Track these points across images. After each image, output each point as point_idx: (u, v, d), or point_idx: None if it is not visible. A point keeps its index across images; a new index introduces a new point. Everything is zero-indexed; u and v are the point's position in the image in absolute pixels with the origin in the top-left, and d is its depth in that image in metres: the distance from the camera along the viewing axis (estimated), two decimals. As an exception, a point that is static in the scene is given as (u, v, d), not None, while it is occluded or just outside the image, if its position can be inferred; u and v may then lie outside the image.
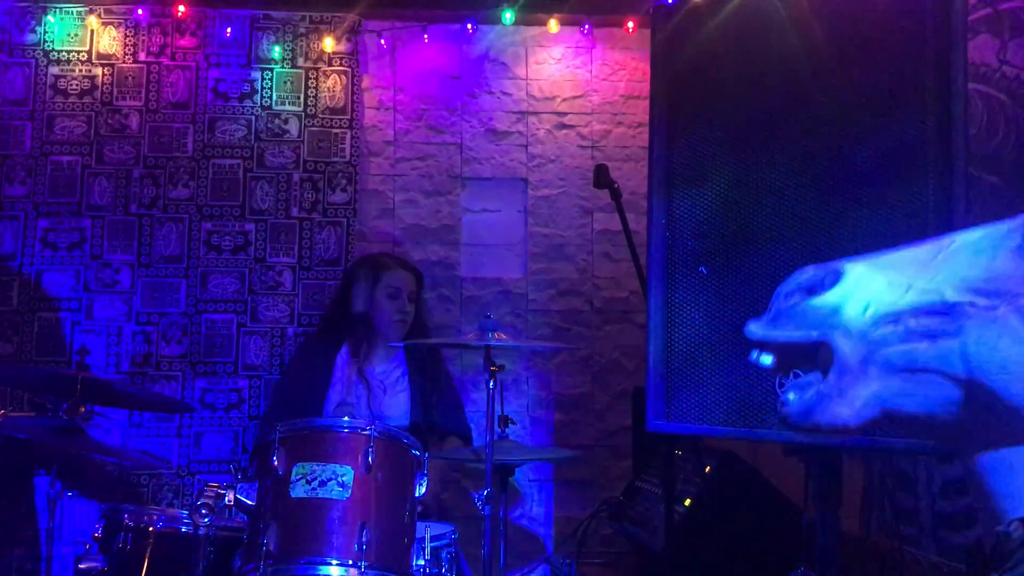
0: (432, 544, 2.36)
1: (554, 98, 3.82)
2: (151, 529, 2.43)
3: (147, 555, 2.41)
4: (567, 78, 3.83)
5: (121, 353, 3.44)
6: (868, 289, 1.01)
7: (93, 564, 2.42)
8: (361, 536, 2.00)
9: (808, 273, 1.05)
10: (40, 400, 2.64)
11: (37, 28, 3.53)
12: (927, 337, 0.98)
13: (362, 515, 2.03)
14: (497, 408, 2.49)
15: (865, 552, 2.68)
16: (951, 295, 0.98)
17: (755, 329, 1.06)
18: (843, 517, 2.02)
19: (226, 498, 2.10)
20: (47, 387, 2.60)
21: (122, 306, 3.46)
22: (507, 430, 2.69)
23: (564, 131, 3.82)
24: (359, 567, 1.98)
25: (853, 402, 1.00)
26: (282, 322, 3.54)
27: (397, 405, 3.10)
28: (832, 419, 1.01)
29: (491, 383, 2.44)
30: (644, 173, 3.75)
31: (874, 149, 1.77)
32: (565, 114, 3.82)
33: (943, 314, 0.98)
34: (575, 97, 3.83)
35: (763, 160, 1.95)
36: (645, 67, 3.77)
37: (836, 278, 1.02)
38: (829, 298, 1.01)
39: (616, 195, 2.73)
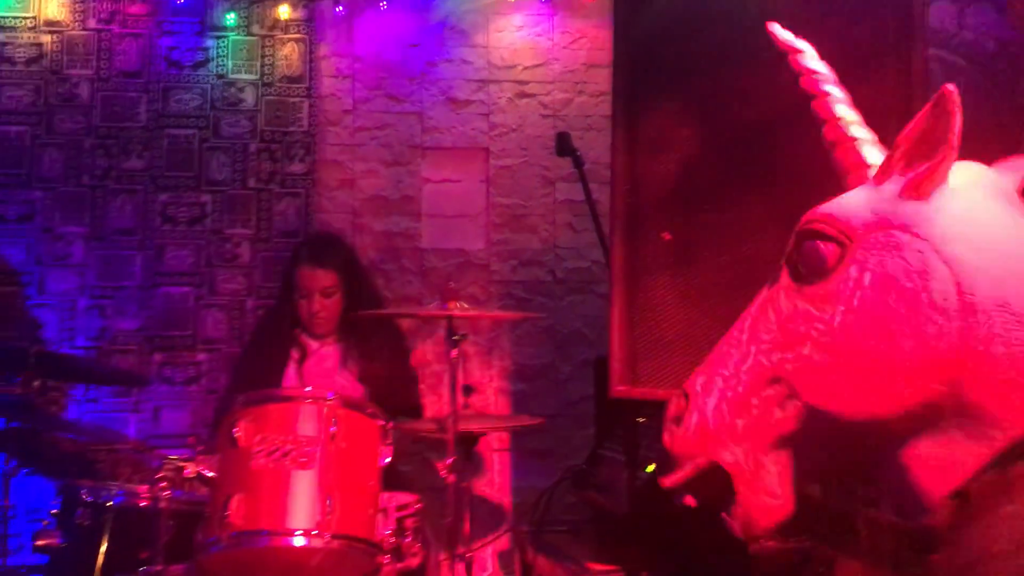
0: (397, 514, 2.36)
1: (515, 66, 3.79)
2: (110, 504, 2.39)
3: (106, 530, 2.38)
4: (528, 46, 3.79)
5: (75, 328, 3.37)
6: (709, 395, 1.12)
7: (51, 540, 2.39)
8: (326, 505, 1.98)
9: (670, 406, 1.16)
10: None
11: (-20, -6, 3.42)
12: (777, 406, 1.08)
13: (326, 485, 2.01)
14: (460, 378, 2.47)
15: (825, 515, 2.72)
16: (767, 362, 1.08)
17: (666, 482, 1.18)
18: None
19: (186, 471, 2.07)
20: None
21: (75, 280, 3.39)
22: (469, 401, 2.69)
23: (525, 100, 3.79)
24: (324, 537, 1.96)
25: (775, 488, 1.11)
26: (240, 295, 3.49)
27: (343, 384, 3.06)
28: (770, 518, 1.13)
29: (453, 353, 2.43)
30: (606, 142, 3.72)
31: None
32: (526, 83, 3.79)
33: (774, 383, 1.07)
34: (536, 65, 3.80)
35: (727, 125, 1.95)
36: (606, 35, 3.75)
37: (685, 402, 1.14)
38: (689, 423, 1.12)
39: (578, 163, 2.72)
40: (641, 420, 2.89)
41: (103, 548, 2.37)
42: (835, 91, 1.24)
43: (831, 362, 1.03)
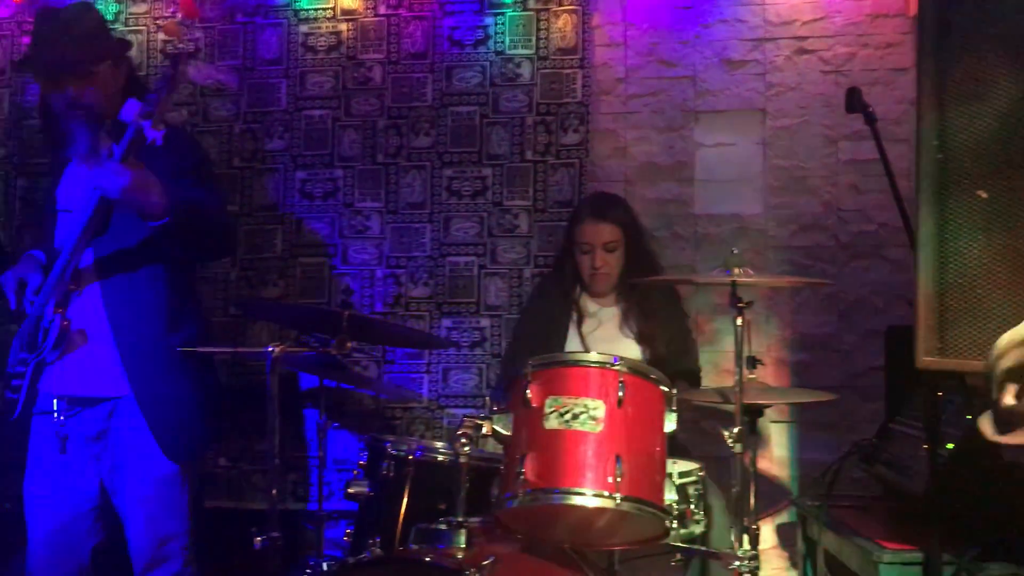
0: (679, 480, 2.37)
1: (793, 22, 3.62)
2: (411, 458, 2.58)
3: (408, 482, 2.57)
4: (807, 0, 3.61)
5: (374, 295, 3.66)
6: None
7: (361, 489, 2.61)
8: (615, 469, 2.02)
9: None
10: (308, 337, 2.84)
11: (287, -11, 3.76)
12: None
13: (615, 448, 2.05)
14: (744, 347, 2.42)
15: None
16: None
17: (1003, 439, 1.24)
18: None
19: (483, 429, 2.18)
20: (314, 324, 2.80)
21: (373, 251, 3.67)
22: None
23: (804, 56, 3.62)
24: (614, 499, 2.00)
25: None
26: (519, 263, 3.62)
27: (622, 347, 3.10)
28: None
29: (738, 321, 2.39)
30: (894, 96, 3.53)
31: None
32: (805, 38, 3.62)
33: None
34: (816, 20, 3.61)
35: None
36: (894, -19, 3.51)
37: None
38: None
39: (871, 120, 2.56)
40: (940, 394, 2.70)
41: (405, 498, 2.56)
42: None
43: None
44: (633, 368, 2.16)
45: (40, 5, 3.63)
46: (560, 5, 3.62)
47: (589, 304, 3.17)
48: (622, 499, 2.01)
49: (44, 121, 2.75)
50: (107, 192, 2.34)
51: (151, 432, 2.56)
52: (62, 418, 2.56)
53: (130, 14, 3.81)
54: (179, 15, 3.75)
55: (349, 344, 2.50)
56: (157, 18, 3.80)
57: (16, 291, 2.56)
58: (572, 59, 3.62)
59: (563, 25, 3.62)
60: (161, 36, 3.78)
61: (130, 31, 3.79)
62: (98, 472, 2.61)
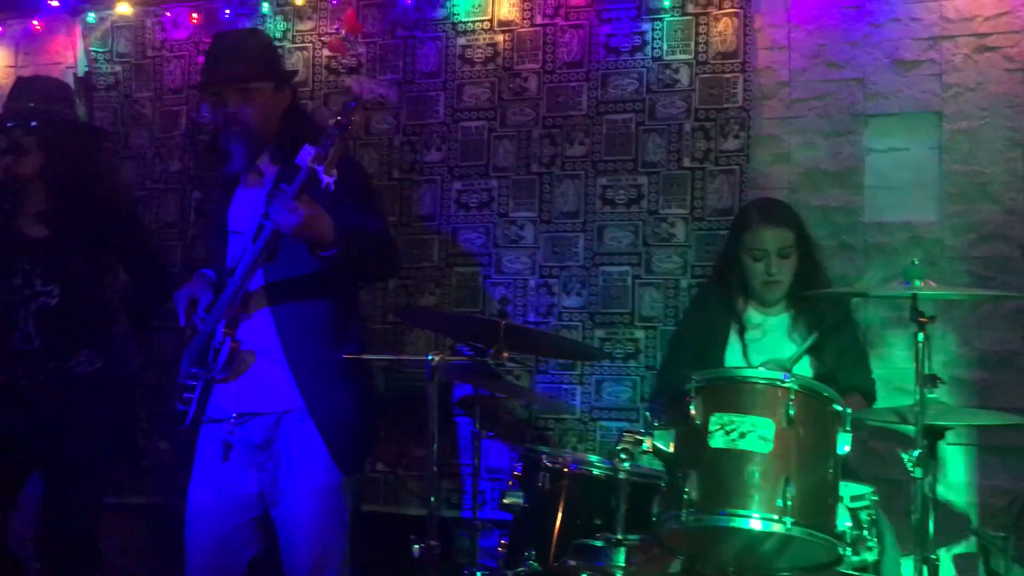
0: (851, 505, 2.24)
1: (973, 18, 3.39)
2: (566, 471, 2.55)
3: (563, 495, 2.54)
4: (990, -7, 3.38)
5: (527, 304, 3.65)
6: None
7: (516, 500, 2.60)
8: (784, 491, 1.92)
9: None
10: (463, 345, 2.86)
11: (447, 3, 3.80)
12: None
13: (784, 469, 1.96)
14: (925, 364, 2.27)
15: None
16: None
17: None
18: None
19: (644, 444, 2.13)
20: (471, 333, 2.81)
21: (527, 260, 3.67)
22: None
23: (986, 54, 3.38)
24: (784, 523, 1.91)
25: None
26: (675, 274, 3.53)
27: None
28: None
29: (919, 336, 2.24)
30: (1091, 95, 3.25)
31: None
32: (987, 35, 3.38)
33: None
34: (1000, 14, 3.37)
35: None
36: (1092, -32, 3.24)
37: None
38: None
39: (1069, 120, 2.35)
40: None
41: (560, 512, 2.53)
42: None
43: None
44: (804, 385, 2.06)
45: (216, 28, 3.84)
46: (720, 8, 3.52)
47: (754, 314, 3.06)
48: (792, 524, 1.91)
49: (213, 141, 2.88)
50: (280, 228, 2.44)
51: (324, 444, 2.62)
52: (231, 427, 2.65)
53: (297, 31, 3.96)
54: (343, 31, 3.87)
55: (506, 354, 2.49)
56: (322, 35, 3.93)
57: (187, 308, 2.68)
58: (733, 63, 3.50)
59: (723, 28, 3.52)
60: (326, 52, 3.91)
61: (296, 48, 3.93)
62: (260, 482, 2.67)
